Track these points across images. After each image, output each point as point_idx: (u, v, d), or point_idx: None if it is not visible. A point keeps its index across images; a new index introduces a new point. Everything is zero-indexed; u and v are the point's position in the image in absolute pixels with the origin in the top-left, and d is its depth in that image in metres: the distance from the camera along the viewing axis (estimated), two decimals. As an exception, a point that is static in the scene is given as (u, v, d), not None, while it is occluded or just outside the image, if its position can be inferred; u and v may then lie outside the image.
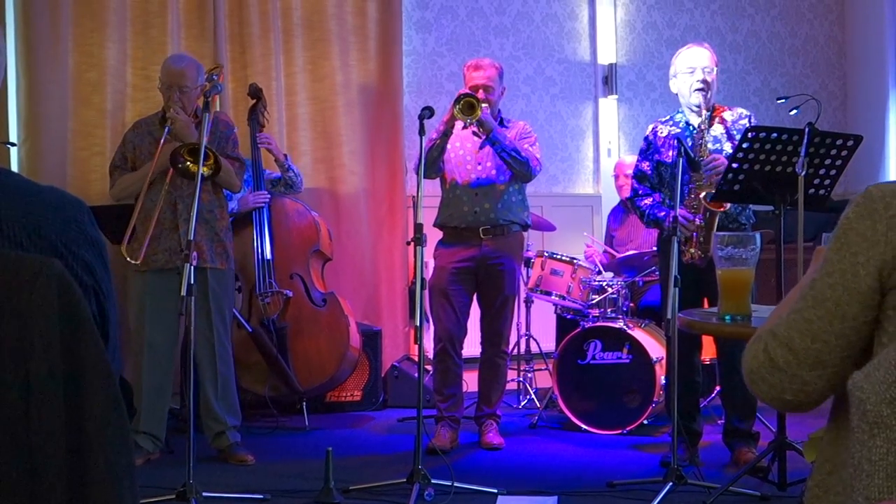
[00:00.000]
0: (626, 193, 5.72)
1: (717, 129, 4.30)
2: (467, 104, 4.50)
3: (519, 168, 4.67)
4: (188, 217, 3.73)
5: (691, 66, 4.29)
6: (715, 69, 4.32)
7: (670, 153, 4.29)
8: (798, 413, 1.47)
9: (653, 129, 4.43)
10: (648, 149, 4.41)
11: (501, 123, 4.78)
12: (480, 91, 4.66)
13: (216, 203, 4.51)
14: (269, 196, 5.29)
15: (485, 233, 4.72)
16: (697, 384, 4.46)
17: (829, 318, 1.38)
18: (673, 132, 4.32)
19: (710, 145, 4.22)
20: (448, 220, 4.80)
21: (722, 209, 4.15)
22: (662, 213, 4.26)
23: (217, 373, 4.47)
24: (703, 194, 4.15)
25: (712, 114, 4.30)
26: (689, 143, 4.25)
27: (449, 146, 4.74)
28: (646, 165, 4.42)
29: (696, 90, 4.26)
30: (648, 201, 4.37)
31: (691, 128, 4.32)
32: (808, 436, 1.57)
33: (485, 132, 4.64)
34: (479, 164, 4.75)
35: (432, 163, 4.67)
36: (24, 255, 1.23)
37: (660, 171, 4.37)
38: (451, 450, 4.67)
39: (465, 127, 4.70)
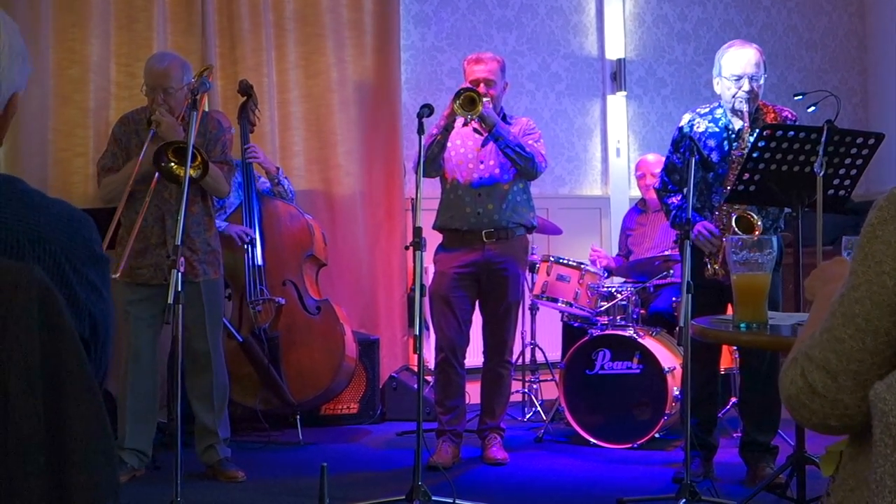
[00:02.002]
0: (652, 193, 5.73)
1: (751, 138, 4.24)
2: (468, 99, 4.50)
3: (524, 164, 4.68)
4: (176, 234, 3.70)
5: (737, 73, 4.22)
6: (763, 75, 4.28)
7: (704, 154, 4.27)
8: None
9: (689, 121, 4.37)
10: (682, 140, 4.35)
11: (504, 120, 4.78)
12: (482, 85, 4.66)
13: (204, 212, 4.51)
14: (253, 236, 5.27)
15: (488, 236, 4.72)
16: (717, 395, 4.47)
17: (860, 335, 1.34)
18: (711, 130, 4.30)
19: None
20: (449, 223, 4.79)
21: (755, 234, 4.12)
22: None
23: (213, 385, 4.47)
24: (734, 217, 4.13)
25: (756, 116, 4.26)
26: (726, 147, 4.25)
27: (449, 144, 4.74)
28: (677, 158, 4.40)
29: (742, 100, 4.23)
30: (676, 200, 4.37)
31: (730, 131, 4.30)
32: (826, 449, 1.55)
33: (487, 128, 4.65)
34: (482, 162, 4.75)
35: (432, 159, 4.67)
36: (3, 260, 1.23)
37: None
38: (453, 465, 4.67)
39: (465, 124, 4.70)
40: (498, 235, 4.73)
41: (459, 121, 4.64)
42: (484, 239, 4.72)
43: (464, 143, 4.80)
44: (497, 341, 4.82)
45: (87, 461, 1.21)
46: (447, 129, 4.66)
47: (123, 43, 5.70)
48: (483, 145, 4.75)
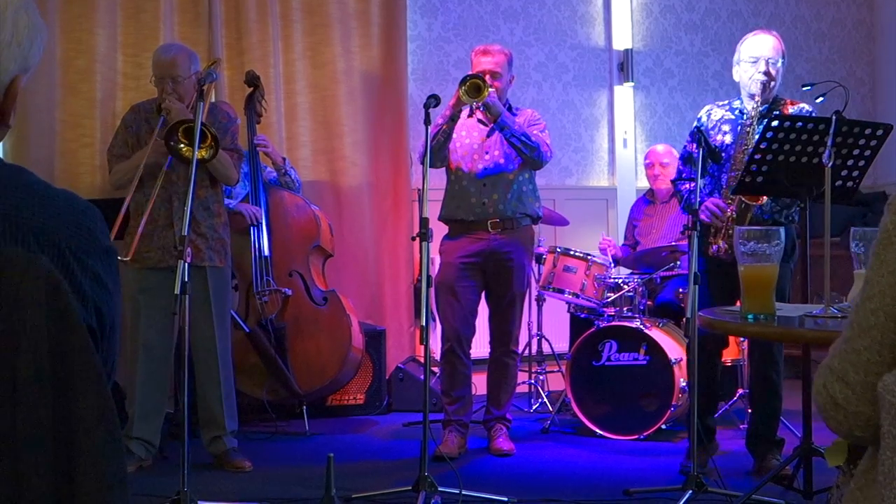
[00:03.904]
0: (661, 184, 5.73)
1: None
2: (473, 86, 4.50)
3: (529, 154, 4.68)
4: (183, 214, 3.71)
5: (755, 55, 4.24)
6: (781, 60, 4.29)
7: (718, 137, 4.28)
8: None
9: (707, 110, 4.42)
10: (698, 130, 4.39)
11: (510, 111, 4.79)
12: (487, 76, 4.66)
13: (213, 198, 4.51)
14: (263, 214, 5.27)
15: (493, 226, 4.73)
16: (716, 384, 4.46)
17: (876, 347, 1.31)
18: (727, 117, 4.33)
19: (756, 136, 4.17)
20: (454, 213, 4.79)
21: (758, 202, 4.13)
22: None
23: (219, 375, 4.48)
24: None
25: (773, 106, 4.27)
26: (739, 131, 4.26)
27: (455, 135, 4.74)
28: (693, 147, 4.40)
29: (758, 81, 4.22)
30: (688, 186, 4.38)
31: (745, 115, 4.30)
32: (833, 442, 1.54)
33: (492, 117, 4.66)
34: (487, 152, 4.76)
35: (438, 149, 4.67)
36: (10, 250, 1.23)
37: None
38: (459, 456, 4.67)
39: (470, 114, 4.70)
40: (503, 225, 4.74)
41: (464, 112, 4.64)
42: (489, 229, 4.73)
43: (469, 134, 4.80)
44: (502, 331, 4.83)
45: (95, 451, 1.21)
46: (453, 118, 4.66)
47: (130, 33, 5.69)
48: (488, 135, 4.75)
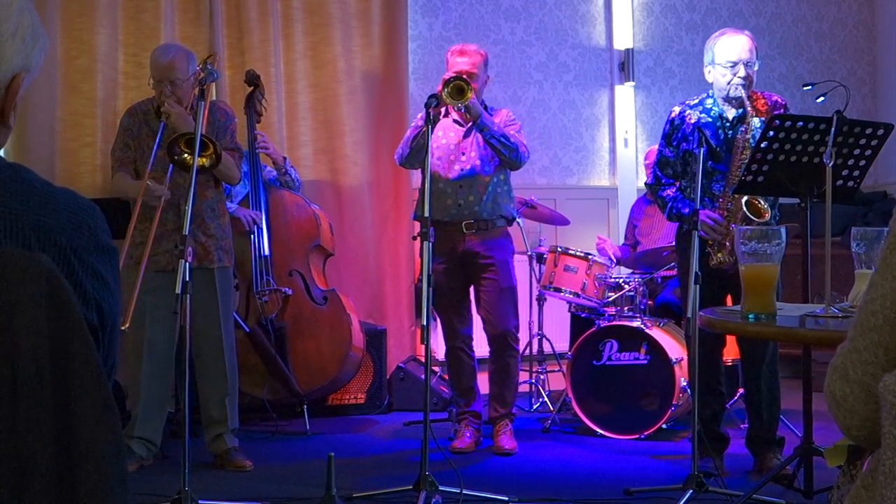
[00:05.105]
0: None
1: (754, 122, 4.20)
2: (457, 87, 4.49)
3: (508, 154, 4.68)
4: (184, 224, 3.70)
5: (732, 59, 4.19)
6: (757, 62, 4.26)
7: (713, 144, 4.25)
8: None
9: (680, 112, 4.34)
10: (673, 133, 4.33)
11: (486, 110, 4.78)
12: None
13: (217, 199, 4.51)
14: (261, 223, 5.26)
15: (468, 227, 4.74)
16: (721, 387, 4.43)
17: (874, 348, 1.32)
18: (704, 120, 4.27)
19: (751, 141, 4.14)
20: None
21: (763, 218, 4.10)
22: (687, 210, 4.20)
23: (226, 374, 4.48)
24: (744, 199, 4.10)
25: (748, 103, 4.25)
26: (721, 136, 4.24)
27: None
28: (669, 151, 4.38)
29: (738, 86, 4.20)
30: (671, 192, 4.34)
31: (724, 120, 4.28)
32: (834, 443, 1.54)
33: (472, 118, 4.66)
34: (463, 153, 4.77)
35: (417, 150, 4.63)
36: (11, 249, 1.23)
37: (685, 159, 4.32)
38: (475, 450, 4.72)
39: (446, 114, 4.71)
40: (478, 227, 4.75)
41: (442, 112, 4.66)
42: (464, 230, 4.74)
43: (445, 135, 4.80)
44: (497, 331, 4.81)
45: (95, 450, 1.21)
46: (434, 119, 4.65)
47: (131, 33, 5.70)
48: (465, 136, 4.76)
